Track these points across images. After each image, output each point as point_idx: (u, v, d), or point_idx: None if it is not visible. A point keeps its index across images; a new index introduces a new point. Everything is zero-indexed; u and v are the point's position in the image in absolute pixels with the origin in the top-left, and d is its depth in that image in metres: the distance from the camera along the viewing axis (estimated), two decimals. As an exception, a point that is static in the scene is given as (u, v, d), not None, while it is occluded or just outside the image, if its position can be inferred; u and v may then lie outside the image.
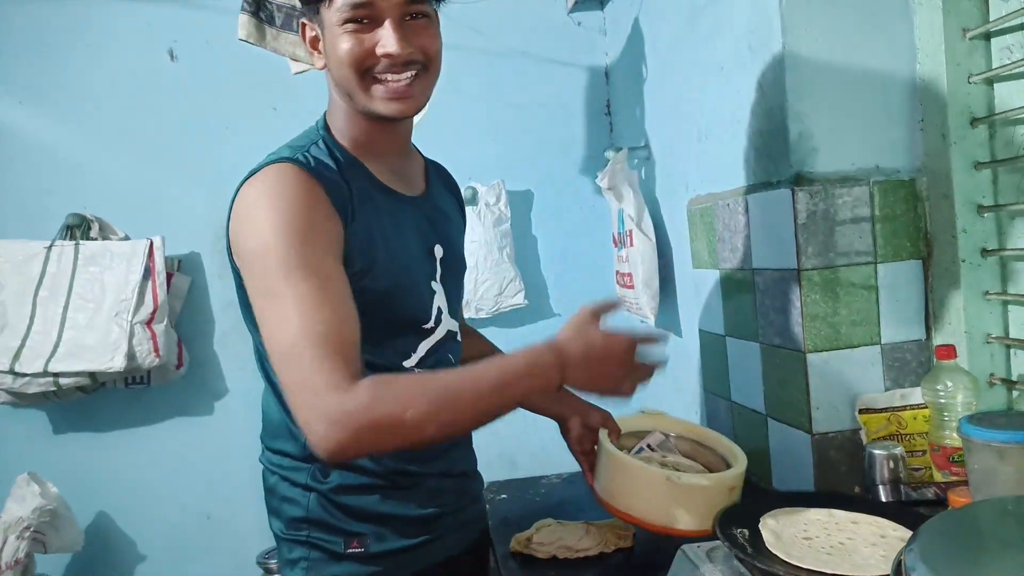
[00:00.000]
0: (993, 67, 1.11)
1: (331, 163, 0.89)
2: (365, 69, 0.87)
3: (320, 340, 0.73)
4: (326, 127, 0.95)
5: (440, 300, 0.98)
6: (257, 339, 0.90)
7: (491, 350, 1.20)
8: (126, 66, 1.95)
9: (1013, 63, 1.06)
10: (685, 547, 0.88)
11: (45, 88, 1.91)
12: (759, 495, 0.97)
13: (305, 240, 0.79)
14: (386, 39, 0.86)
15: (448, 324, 1.00)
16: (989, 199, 1.13)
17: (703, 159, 1.52)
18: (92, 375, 1.79)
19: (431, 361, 0.96)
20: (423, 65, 0.89)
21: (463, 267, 1.09)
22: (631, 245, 1.76)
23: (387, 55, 0.86)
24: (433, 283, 0.97)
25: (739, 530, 0.83)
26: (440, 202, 1.06)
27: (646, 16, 1.81)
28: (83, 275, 1.82)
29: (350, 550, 0.91)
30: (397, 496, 0.94)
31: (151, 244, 1.85)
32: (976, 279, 1.13)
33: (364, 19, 0.86)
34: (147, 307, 1.82)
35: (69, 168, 1.93)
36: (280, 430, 0.95)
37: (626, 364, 0.84)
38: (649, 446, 1.17)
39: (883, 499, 1.03)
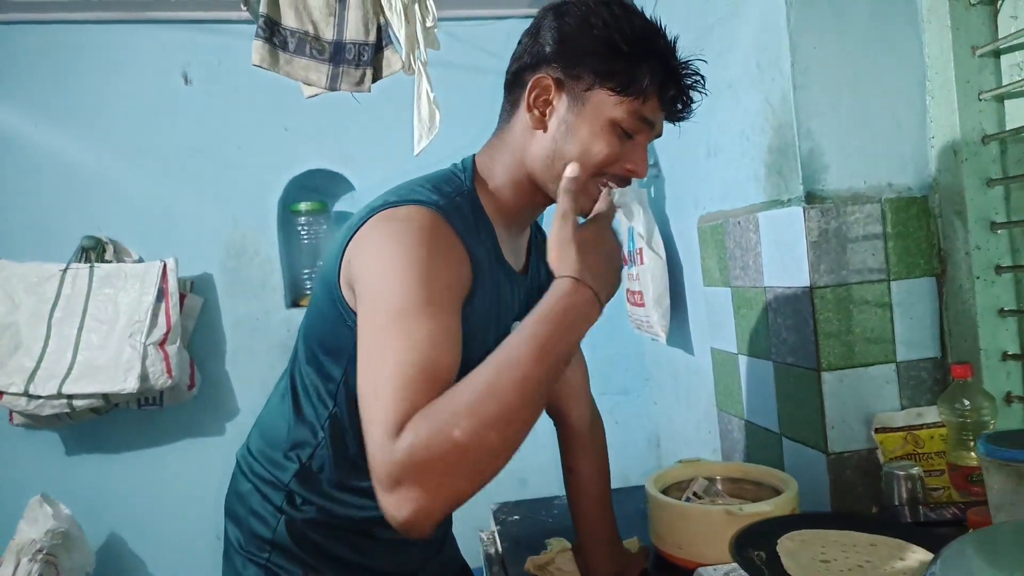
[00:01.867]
0: (1003, 84, 1.11)
1: (472, 222, 0.84)
2: (604, 170, 0.83)
3: (397, 384, 0.65)
4: (474, 178, 0.88)
5: None
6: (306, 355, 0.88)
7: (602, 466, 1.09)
8: (141, 89, 1.98)
9: (1022, 80, 1.06)
10: (702, 570, 0.87)
11: (60, 110, 1.94)
12: (775, 517, 0.96)
13: (430, 284, 0.72)
14: (639, 160, 0.84)
15: None
16: (1002, 216, 1.13)
17: (713, 176, 1.53)
18: (105, 397, 1.80)
19: None
20: None
21: None
22: (641, 263, 1.76)
23: (632, 175, 0.85)
24: None
25: (756, 552, 0.81)
26: (540, 278, 1.00)
27: (654, 36, 1.82)
28: (97, 297, 1.84)
29: None
30: (365, 546, 0.92)
31: (164, 266, 1.86)
32: (991, 296, 1.12)
33: (632, 133, 0.83)
34: (160, 328, 1.83)
35: (84, 190, 1.96)
36: (279, 445, 0.92)
37: (611, 234, 0.80)
38: (695, 494, 1.15)
39: (901, 520, 1.01)
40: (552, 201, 0.87)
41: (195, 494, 1.95)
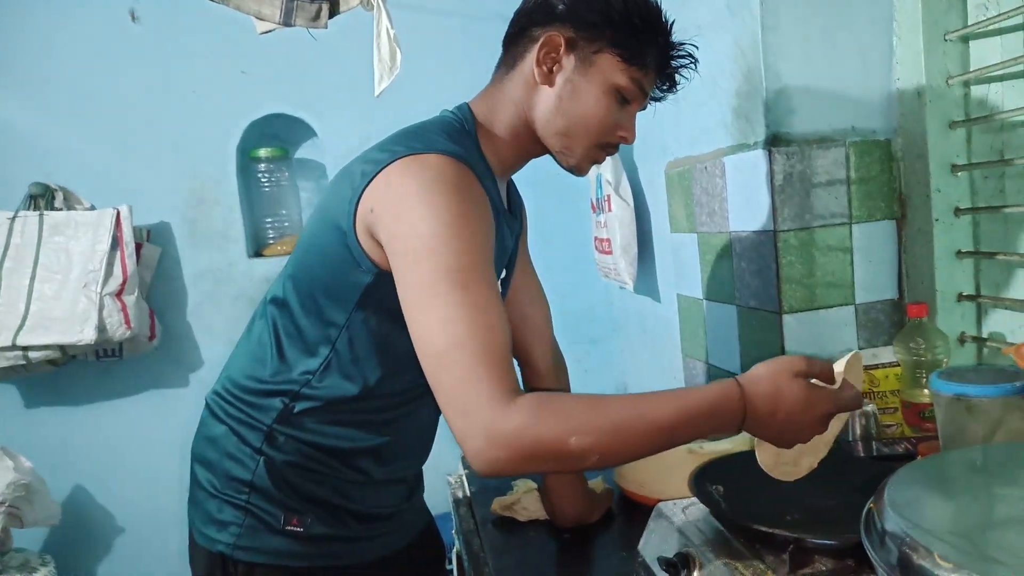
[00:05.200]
0: (968, 24, 1.10)
1: (485, 170, 0.87)
2: (603, 137, 0.89)
3: (482, 348, 0.69)
4: (476, 130, 0.90)
5: None
6: (291, 297, 0.88)
7: None
8: (86, 28, 1.88)
9: (988, 20, 1.05)
10: (661, 505, 0.89)
11: (1, 55, 1.84)
12: (733, 453, 0.98)
13: (475, 244, 0.74)
14: (630, 128, 0.91)
15: None
16: (963, 158, 1.14)
17: (681, 122, 1.51)
18: (62, 348, 1.76)
19: None
20: None
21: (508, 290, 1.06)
22: (609, 210, 1.75)
23: (623, 141, 0.91)
24: None
25: (714, 486, 0.83)
26: (516, 224, 1.03)
27: (623, -24, 1.77)
28: (48, 245, 1.78)
29: (288, 527, 0.88)
30: (346, 489, 0.92)
31: (118, 213, 1.80)
32: (949, 239, 1.14)
33: (629, 100, 0.88)
34: (116, 278, 1.78)
35: (30, 137, 1.87)
36: (257, 388, 0.90)
37: (818, 425, 0.74)
38: None
39: (855, 455, 1.05)
40: (544, 152, 0.93)
41: (159, 444, 1.93)
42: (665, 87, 0.94)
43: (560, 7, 0.86)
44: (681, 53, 0.92)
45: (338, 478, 0.91)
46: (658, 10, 0.89)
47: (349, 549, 0.93)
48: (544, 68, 0.87)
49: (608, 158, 1.70)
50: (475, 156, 0.86)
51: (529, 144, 0.92)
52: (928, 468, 0.68)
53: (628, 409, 0.70)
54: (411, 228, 0.75)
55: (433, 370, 0.71)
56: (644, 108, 0.94)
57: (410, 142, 0.82)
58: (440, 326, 0.71)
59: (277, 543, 0.88)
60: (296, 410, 0.88)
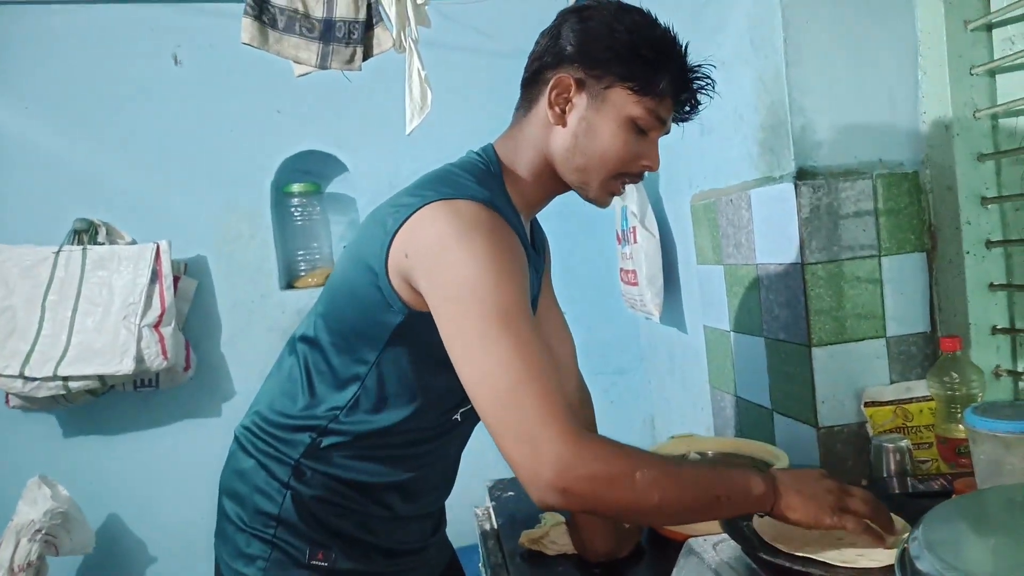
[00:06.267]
0: (995, 58, 1.11)
1: (511, 214, 0.88)
2: (622, 168, 0.89)
3: (544, 387, 0.72)
4: (502, 172, 0.92)
5: None
6: (322, 335, 0.90)
7: None
8: (131, 71, 1.97)
9: (1015, 54, 1.06)
10: (691, 541, 0.88)
11: (51, 94, 1.93)
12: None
13: (516, 289, 0.77)
14: (653, 156, 0.90)
15: None
16: (993, 190, 1.13)
17: (706, 155, 1.53)
18: (101, 378, 1.80)
19: (463, 427, 0.97)
20: None
21: None
22: (635, 242, 1.76)
23: (647, 169, 0.91)
24: None
25: (744, 523, 0.83)
26: (542, 262, 1.05)
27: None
28: (91, 279, 1.84)
29: (314, 561, 0.89)
30: (372, 524, 0.93)
31: (157, 248, 1.86)
32: (981, 271, 1.13)
33: (647, 130, 0.88)
34: (155, 310, 1.83)
35: (76, 174, 1.95)
36: (287, 423, 0.92)
37: (837, 493, 0.77)
38: None
39: (890, 491, 1.03)
40: (568, 189, 0.94)
41: (193, 475, 1.96)
42: (687, 110, 0.93)
43: (568, 49, 0.88)
44: (698, 75, 0.91)
45: (364, 512, 0.92)
46: (668, 37, 0.89)
47: None
48: (557, 109, 0.89)
49: (634, 190, 1.74)
50: (502, 198, 0.88)
51: (551, 183, 0.94)
52: (965, 506, 0.67)
53: (681, 466, 0.77)
54: (453, 275, 0.77)
55: (496, 411, 0.73)
56: (668, 132, 0.93)
57: (439, 187, 0.83)
58: (501, 368, 0.72)
59: None
60: (323, 445, 0.90)
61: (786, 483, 0.76)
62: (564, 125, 0.89)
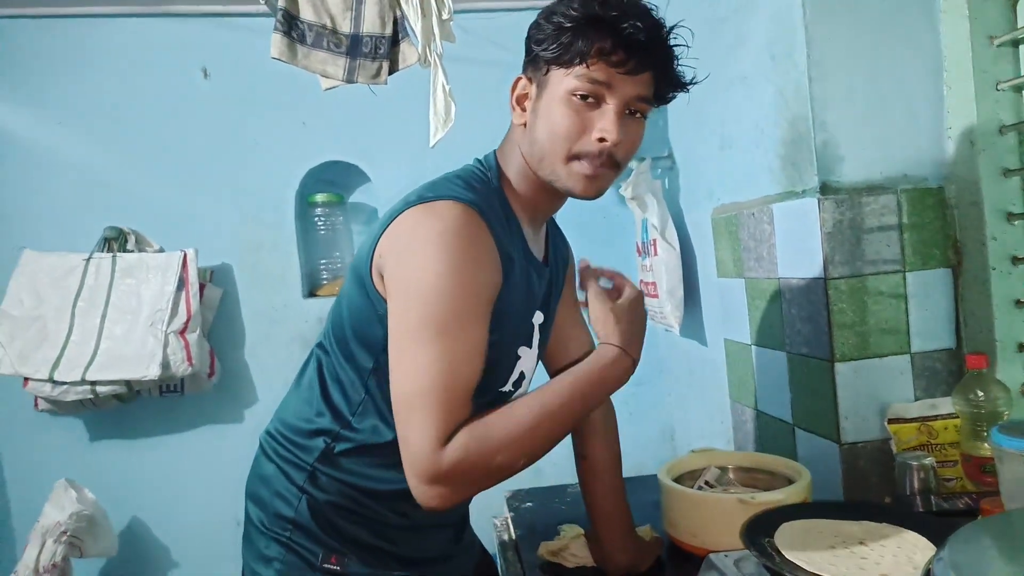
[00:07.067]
0: (1021, 74, 1.10)
1: (503, 218, 0.88)
2: (574, 144, 0.85)
3: (440, 401, 0.76)
4: (500, 176, 0.92)
5: (525, 365, 0.97)
6: (341, 331, 0.92)
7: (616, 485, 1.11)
8: (160, 83, 2.01)
9: (1042, 70, 1.05)
10: (712, 556, 0.88)
11: (82, 105, 1.98)
12: (787, 505, 0.97)
13: (465, 297, 0.78)
14: (607, 124, 0.83)
15: (525, 391, 0.99)
16: (1019, 206, 1.12)
17: (726, 168, 1.53)
18: (128, 384, 1.84)
19: None
20: (617, 163, 0.87)
21: (550, 334, 1.06)
22: (655, 254, 1.77)
23: (602, 140, 0.84)
24: (522, 348, 0.95)
25: (767, 539, 0.83)
26: (559, 272, 1.05)
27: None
28: (120, 287, 1.87)
29: (326, 565, 0.90)
30: (390, 533, 0.94)
31: (185, 256, 1.89)
32: (1007, 287, 1.12)
33: (592, 97, 0.84)
34: (181, 317, 1.86)
35: (106, 184, 1.99)
36: (304, 429, 0.93)
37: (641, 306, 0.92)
38: (707, 483, 1.17)
39: (914, 509, 1.02)
40: (558, 191, 0.90)
41: (216, 480, 1.99)
42: (628, 61, 0.82)
43: (525, 50, 0.91)
44: (631, 23, 0.81)
45: (379, 521, 0.93)
46: (590, 3, 0.83)
47: None
48: (518, 109, 0.90)
49: (654, 203, 1.74)
50: (493, 203, 0.87)
51: (541, 185, 0.91)
52: (991, 527, 0.67)
53: (533, 408, 0.80)
54: (408, 275, 0.80)
55: (396, 412, 0.79)
56: (629, 98, 0.84)
57: (424, 192, 0.85)
58: (415, 373, 0.77)
59: None
60: (337, 451, 0.91)
61: (626, 341, 0.86)
62: (525, 123, 0.90)
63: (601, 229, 2.18)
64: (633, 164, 1.83)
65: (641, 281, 1.93)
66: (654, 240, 1.76)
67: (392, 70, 1.43)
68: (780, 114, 1.27)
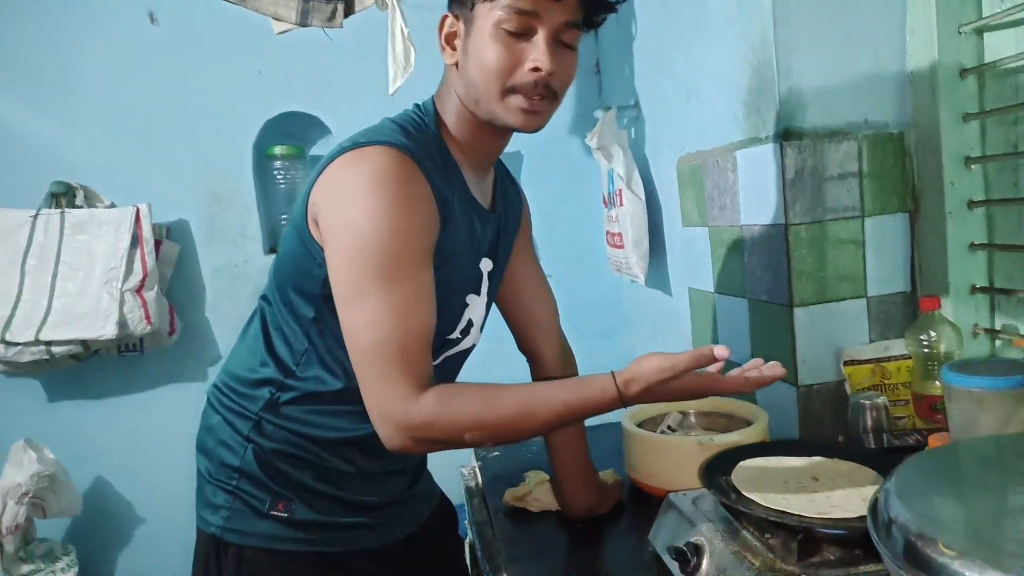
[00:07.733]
0: (983, 16, 1.10)
1: (440, 163, 0.87)
2: (507, 78, 0.83)
3: (399, 349, 0.76)
4: (437, 122, 0.91)
5: (473, 313, 0.96)
6: (285, 291, 0.90)
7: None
8: (106, 30, 1.91)
9: (1003, 11, 1.05)
10: (672, 495, 0.90)
11: (22, 56, 1.87)
12: (744, 445, 0.99)
13: (405, 242, 0.78)
14: (539, 55, 0.82)
15: (474, 339, 0.98)
16: (977, 151, 1.13)
17: (692, 117, 1.51)
18: (84, 343, 1.79)
19: (441, 372, 0.94)
20: (555, 94, 0.85)
21: (500, 283, 1.05)
22: (621, 205, 1.76)
23: (536, 70, 0.82)
24: (470, 296, 0.95)
25: (724, 478, 0.84)
26: (508, 220, 1.03)
27: (635, -29, 1.78)
28: (71, 243, 1.81)
29: (273, 512, 0.90)
30: (337, 479, 0.94)
31: (137, 211, 1.83)
32: (962, 231, 1.14)
33: (519, 29, 0.82)
34: (136, 275, 1.81)
35: (50, 136, 1.91)
36: (248, 379, 0.93)
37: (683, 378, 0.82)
38: (669, 427, 1.21)
39: (866, 447, 1.05)
40: (499, 131, 0.90)
41: (179, 437, 1.94)
42: None
43: None
44: None
45: (325, 467, 0.93)
46: None
47: (341, 536, 0.95)
48: (449, 49, 0.88)
49: (620, 153, 1.73)
50: (429, 147, 0.86)
51: (479, 126, 0.89)
52: (936, 458, 0.69)
53: (519, 407, 0.79)
54: (344, 225, 0.79)
55: (357, 366, 0.79)
56: (559, 25, 0.83)
57: (358, 138, 0.84)
58: (366, 327, 0.78)
59: (263, 527, 0.91)
60: (282, 400, 0.91)
61: (632, 379, 0.79)
62: (458, 64, 0.88)
63: (566, 180, 2.16)
64: (599, 114, 1.81)
65: (607, 232, 1.93)
66: (620, 191, 1.75)
67: (348, 12, 1.38)
68: (746, 60, 1.25)
